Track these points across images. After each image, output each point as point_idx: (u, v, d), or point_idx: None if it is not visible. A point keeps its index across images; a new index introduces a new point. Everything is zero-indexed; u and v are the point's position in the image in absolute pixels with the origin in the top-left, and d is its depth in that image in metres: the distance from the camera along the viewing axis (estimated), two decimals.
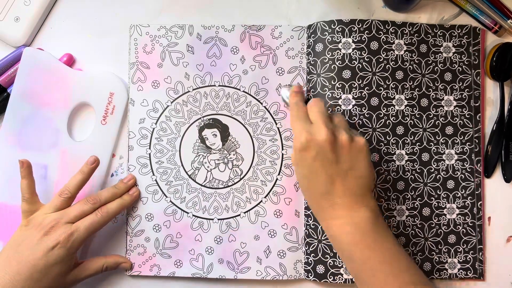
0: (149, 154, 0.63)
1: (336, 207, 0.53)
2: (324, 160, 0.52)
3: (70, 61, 0.65)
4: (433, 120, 0.62)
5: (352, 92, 0.61)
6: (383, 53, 0.61)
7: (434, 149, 0.62)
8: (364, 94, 0.61)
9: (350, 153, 0.53)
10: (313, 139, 0.52)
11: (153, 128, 0.63)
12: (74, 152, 0.64)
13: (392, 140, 0.61)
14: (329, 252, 0.60)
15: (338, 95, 0.61)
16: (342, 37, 0.61)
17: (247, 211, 0.63)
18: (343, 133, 0.53)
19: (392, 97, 0.61)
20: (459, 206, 0.62)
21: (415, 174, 0.61)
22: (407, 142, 0.61)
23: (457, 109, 0.62)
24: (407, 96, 0.61)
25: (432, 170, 0.62)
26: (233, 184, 0.63)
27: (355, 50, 0.61)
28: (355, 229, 0.52)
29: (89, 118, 0.65)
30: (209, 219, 0.63)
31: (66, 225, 0.56)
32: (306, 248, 0.61)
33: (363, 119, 0.60)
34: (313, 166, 0.53)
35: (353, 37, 0.61)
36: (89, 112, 0.65)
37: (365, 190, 0.54)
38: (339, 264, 0.60)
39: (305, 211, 0.62)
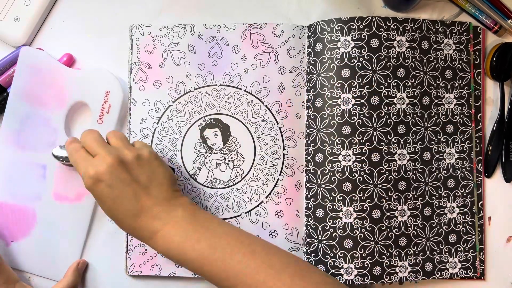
0: None
1: (155, 219, 0.53)
2: (120, 184, 0.52)
3: (70, 61, 0.65)
4: (434, 119, 0.62)
5: (351, 91, 0.61)
6: (384, 51, 0.61)
7: (435, 148, 0.62)
8: (364, 93, 0.61)
9: (142, 168, 0.54)
10: (99, 169, 0.52)
11: (155, 128, 0.63)
12: None
13: (393, 139, 0.61)
14: (329, 252, 0.60)
15: (337, 95, 0.61)
16: (341, 35, 0.61)
17: (248, 212, 0.63)
18: (126, 152, 0.54)
19: (393, 95, 0.61)
20: (459, 205, 0.62)
21: (417, 174, 0.61)
22: (409, 141, 0.61)
23: (457, 107, 0.63)
24: (409, 94, 0.61)
25: (433, 169, 0.62)
26: (234, 184, 0.63)
27: (355, 49, 0.61)
28: (179, 229, 0.53)
29: (86, 117, 0.65)
30: None
31: None
32: (307, 248, 0.61)
33: (363, 119, 0.60)
34: (113, 194, 0.52)
35: (352, 35, 0.61)
36: (85, 111, 0.65)
37: (171, 192, 0.55)
38: (339, 264, 0.60)
39: (305, 211, 0.62)
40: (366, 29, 0.61)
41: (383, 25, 0.61)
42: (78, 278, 0.61)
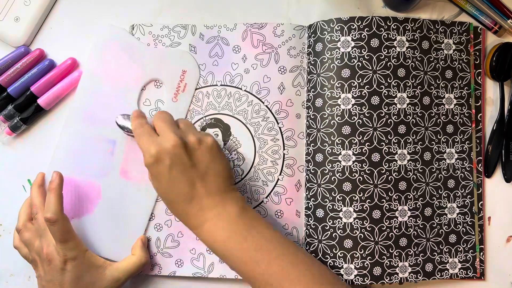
0: None
1: (204, 210, 0.53)
2: (180, 166, 0.52)
3: (74, 65, 0.65)
4: (434, 119, 0.62)
5: (351, 91, 0.61)
6: (384, 50, 0.61)
7: (435, 148, 0.62)
8: (364, 93, 0.61)
9: (203, 154, 0.54)
10: (162, 148, 0.52)
11: None
12: None
13: (393, 139, 0.61)
14: (329, 252, 0.60)
15: (337, 95, 0.61)
16: (341, 35, 0.61)
17: None
18: (191, 136, 0.54)
19: (393, 95, 0.61)
20: (459, 205, 0.62)
21: (417, 174, 0.61)
22: (409, 141, 0.61)
23: (457, 107, 0.63)
24: (409, 94, 0.61)
25: (434, 170, 0.62)
26: (234, 184, 0.63)
27: (355, 48, 0.61)
28: (227, 224, 0.53)
29: (161, 95, 0.64)
30: None
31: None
32: (307, 248, 0.61)
33: (363, 119, 0.60)
34: (170, 175, 0.52)
35: (352, 35, 0.61)
36: (161, 89, 0.64)
37: (227, 185, 0.55)
38: (339, 264, 0.60)
39: (305, 211, 0.62)
40: (366, 29, 0.61)
41: (383, 25, 0.61)
42: (148, 254, 0.61)
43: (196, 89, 0.63)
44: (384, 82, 0.61)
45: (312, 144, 0.62)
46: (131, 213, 0.62)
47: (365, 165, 0.60)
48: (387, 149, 0.61)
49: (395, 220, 0.61)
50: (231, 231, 0.53)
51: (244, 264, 0.52)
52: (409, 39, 0.62)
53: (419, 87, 0.62)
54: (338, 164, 0.60)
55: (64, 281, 0.55)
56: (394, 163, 0.61)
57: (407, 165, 0.61)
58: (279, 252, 0.52)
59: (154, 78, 0.64)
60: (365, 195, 0.60)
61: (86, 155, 0.63)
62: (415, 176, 0.61)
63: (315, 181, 0.61)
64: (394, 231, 0.60)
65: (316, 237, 0.61)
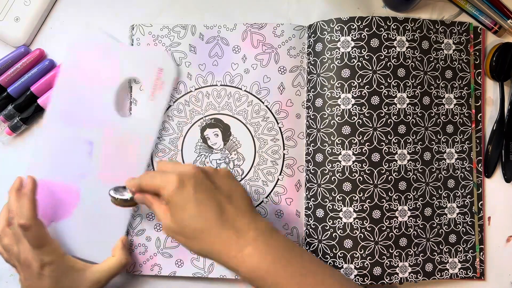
0: (151, 153, 0.63)
1: (240, 232, 0.49)
2: (204, 187, 0.50)
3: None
4: (434, 119, 0.62)
5: (351, 91, 0.61)
6: (384, 50, 0.61)
7: (435, 148, 0.62)
8: (364, 92, 0.61)
9: (223, 178, 0.52)
10: (183, 173, 0.50)
11: None
12: (121, 129, 0.63)
13: (393, 139, 0.61)
14: (329, 252, 0.60)
15: (337, 95, 0.61)
16: (341, 35, 0.61)
17: None
18: (205, 166, 0.54)
19: (393, 95, 0.61)
20: (459, 205, 0.62)
21: (417, 174, 0.61)
22: (409, 141, 0.61)
23: (457, 107, 0.63)
24: (409, 94, 0.61)
25: (434, 170, 0.62)
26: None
27: (355, 48, 0.61)
28: (268, 248, 0.49)
29: (137, 94, 0.64)
30: None
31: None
32: (307, 248, 0.61)
33: (363, 119, 0.60)
34: (197, 198, 0.49)
35: (352, 35, 0.61)
36: (137, 88, 0.64)
37: (253, 207, 0.53)
38: (339, 264, 0.60)
39: (305, 211, 0.62)
40: (366, 29, 0.61)
41: (383, 25, 0.61)
42: (128, 255, 0.60)
43: (196, 89, 0.63)
44: (384, 82, 0.61)
45: (312, 144, 0.62)
46: (111, 215, 0.62)
47: (365, 165, 0.60)
48: (387, 149, 0.61)
49: (395, 220, 0.61)
50: (274, 255, 0.49)
51: None
52: (409, 39, 0.62)
53: (419, 87, 0.62)
54: (338, 164, 0.60)
55: (42, 286, 0.55)
56: (394, 163, 0.61)
57: (407, 165, 0.61)
58: (322, 274, 0.50)
59: (130, 77, 0.64)
60: (365, 195, 0.60)
61: (64, 157, 0.62)
62: (415, 176, 0.61)
63: (315, 181, 0.61)
64: (394, 231, 0.60)
65: (316, 237, 0.61)
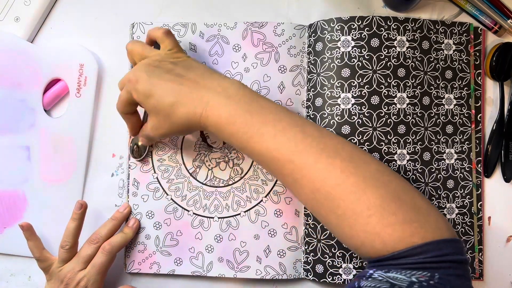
0: (151, 152, 0.63)
1: (201, 92, 0.51)
2: (157, 71, 0.53)
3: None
4: (434, 119, 0.62)
5: (351, 91, 0.61)
6: (384, 50, 0.61)
7: (435, 148, 0.62)
8: (364, 92, 0.61)
9: (169, 58, 0.56)
10: (132, 71, 0.55)
11: None
12: (54, 129, 0.64)
13: (393, 139, 0.61)
14: (328, 252, 0.60)
15: (337, 94, 0.61)
16: (341, 35, 0.61)
17: (247, 210, 0.63)
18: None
19: (393, 95, 0.61)
20: (458, 205, 0.62)
21: (417, 174, 0.61)
22: (409, 141, 0.61)
23: (456, 108, 0.63)
24: (409, 94, 0.61)
25: (433, 170, 0.62)
26: (233, 183, 0.63)
27: (355, 48, 0.61)
28: (229, 101, 0.51)
29: (63, 93, 0.65)
30: (210, 217, 0.62)
31: (79, 273, 0.58)
32: (306, 248, 0.61)
33: (363, 118, 0.60)
34: (153, 82, 0.52)
35: (352, 34, 0.61)
36: (62, 87, 0.65)
37: (210, 70, 0.55)
38: (338, 264, 0.60)
39: (304, 211, 0.62)
40: (366, 28, 0.61)
41: (384, 24, 0.61)
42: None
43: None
44: (384, 82, 0.61)
45: None
46: (60, 215, 0.63)
47: None
48: (386, 149, 0.61)
49: None
50: (235, 106, 0.50)
51: (250, 138, 0.50)
52: (409, 39, 0.62)
53: (419, 87, 0.62)
54: None
55: None
56: (394, 163, 0.61)
57: (406, 165, 0.61)
58: (285, 123, 0.49)
59: (53, 77, 0.64)
60: None
61: (3, 166, 0.64)
62: (414, 176, 0.61)
63: None
64: None
65: (315, 237, 0.61)
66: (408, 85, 0.61)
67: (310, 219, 0.61)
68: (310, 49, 0.63)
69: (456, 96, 0.63)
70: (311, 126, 0.50)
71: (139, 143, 0.62)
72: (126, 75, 0.55)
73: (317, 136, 0.49)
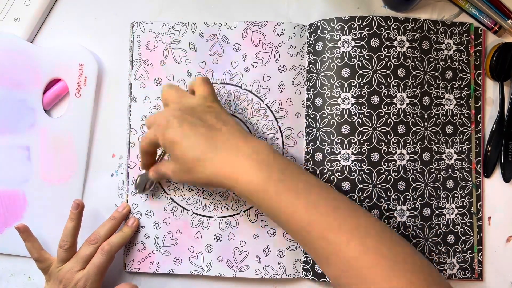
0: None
1: (231, 152, 0.50)
2: (188, 121, 0.52)
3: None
4: (434, 119, 0.62)
5: (351, 91, 0.61)
6: (385, 50, 0.61)
7: (435, 149, 0.62)
8: (364, 92, 0.61)
9: (205, 114, 0.54)
10: (163, 117, 0.53)
11: None
12: (54, 129, 0.64)
13: (393, 139, 0.61)
14: None
15: (337, 94, 0.61)
16: (341, 35, 0.61)
17: (247, 210, 0.62)
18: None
19: (393, 95, 0.61)
20: (458, 206, 0.62)
21: (416, 174, 0.61)
22: (409, 141, 0.61)
23: (456, 108, 0.63)
24: (409, 94, 0.61)
25: (433, 170, 0.62)
26: None
27: (355, 48, 0.61)
28: (262, 165, 0.49)
29: (63, 93, 0.65)
30: (209, 217, 0.62)
31: (78, 273, 0.58)
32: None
33: (363, 118, 0.60)
34: (184, 132, 0.51)
35: (352, 34, 0.61)
36: (62, 87, 0.65)
37: (241, 129, 0.54)
38: None
39: None
40: (366, 28, 0.61)
41: (384, 24, 0.61)
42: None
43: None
44: (384, 82, 0.61)
45: (311, 143, 0.62)
46: (59, 216, 0.63)
47: (364, 165, 0.60)
48: (386, 149, 0.61)
49: (393, 220, 0.61)
50: (267, 172, 0.49)
51: (282, 209, 0.48)
52: (409, 39, 0.62)
53: (419, 87, 0.62)
54: (337, 163, 0.60)
55: None
56: (393, 163, 0.61)
57: (406, 165, 0.61)
58: (318, 196, 0.49)
59: (53, 77, 0.64)
60: (364, 195, 0.60)
61: (2, 165, 0.64)
62: (414, 176, 0.61)
63: None
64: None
65: None
66: (408, 85, 0.61)
67: None
68: (310, 48, 0.63)
69: (456, 96, 0.63)
70: (342, 201, 0.50)
71: (150, 177, 0.59)
72: (157, 116, 0.54)
73: (350, 214, 0.48)
